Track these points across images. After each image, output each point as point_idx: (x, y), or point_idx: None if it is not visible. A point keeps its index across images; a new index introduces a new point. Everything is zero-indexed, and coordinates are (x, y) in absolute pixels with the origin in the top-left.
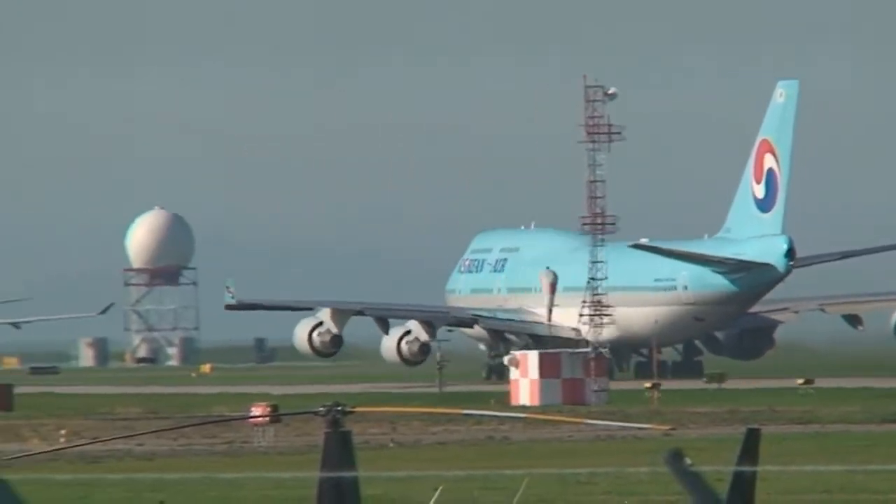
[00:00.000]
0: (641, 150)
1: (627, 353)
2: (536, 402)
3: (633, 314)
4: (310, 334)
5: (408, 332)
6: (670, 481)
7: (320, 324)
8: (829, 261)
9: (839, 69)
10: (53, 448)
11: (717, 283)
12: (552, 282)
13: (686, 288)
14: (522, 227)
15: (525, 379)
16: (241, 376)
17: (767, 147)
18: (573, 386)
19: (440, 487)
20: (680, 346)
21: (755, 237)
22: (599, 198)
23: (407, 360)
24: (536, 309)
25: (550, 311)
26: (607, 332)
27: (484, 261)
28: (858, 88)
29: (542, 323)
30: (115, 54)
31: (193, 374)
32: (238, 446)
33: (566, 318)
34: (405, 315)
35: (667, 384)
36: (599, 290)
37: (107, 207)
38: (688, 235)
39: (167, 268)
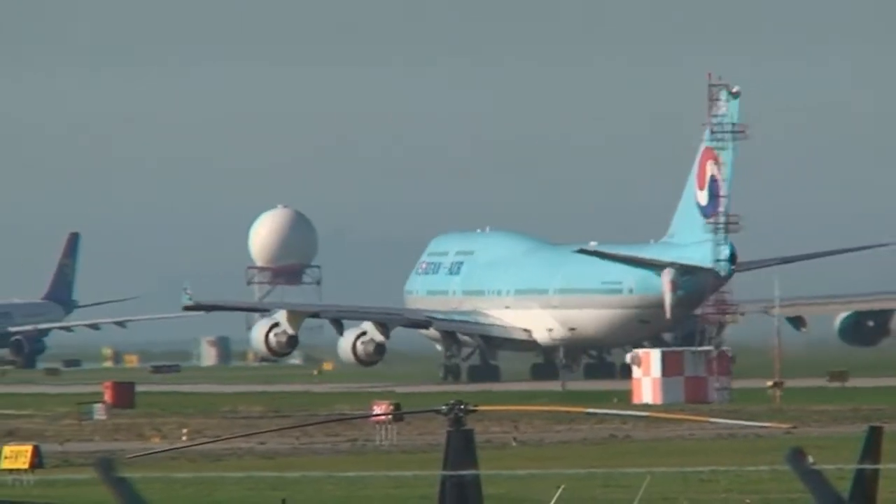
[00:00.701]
0: (767, 148)
1: (577, 354)
2: (659, 401)
3: (582, 316)
4: (266, 335)
5: (363, 333)
6: (792, 479)
7: (276, 325)
8: (771, 265)
9: (783, 78)
10: (175, 446)
11: (662, 286)
12: (673, 279)
13: (632, 291)
14: (478, 231)
15: (647, 377)
16: (364, 374)
17: (710, 155)
18: (695, 384)
19: (562, 486)
20: (629, 348)
21: (698, 242)
22: (723, 197)
23: (362, 361)
24: (490, 310)
25: (672, 310)
26: (556, 334)
27: (440, 263)
28: (801, 98)
29: (494, 325)
30: (241, 49)
31: (315, 373)
32: (360, 444)
33: (517, 319)
34: (359, 317)
35: (788, 382)
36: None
37: (231, 205)
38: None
39: (290, 266)
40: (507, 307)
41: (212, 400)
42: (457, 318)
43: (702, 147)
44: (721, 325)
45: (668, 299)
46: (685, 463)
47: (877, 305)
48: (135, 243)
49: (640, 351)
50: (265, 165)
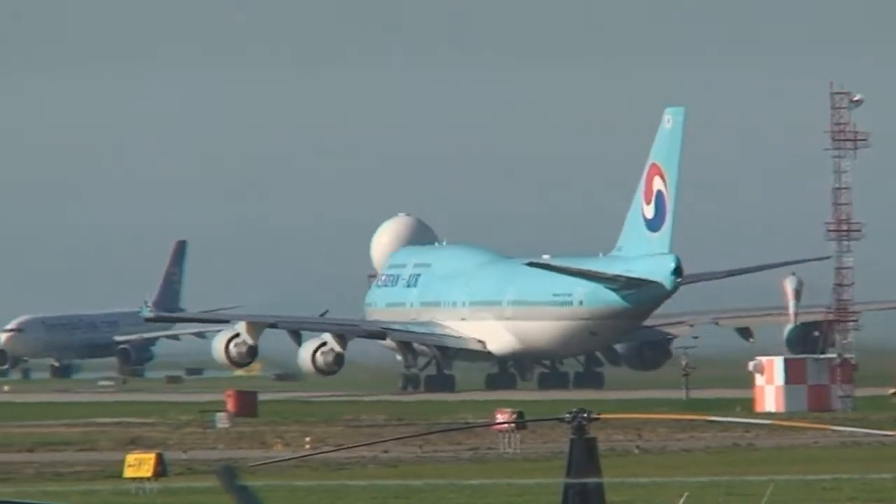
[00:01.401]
0: (889, 157)
1: (530, 364)
2: (782, 409)
3: (533, 327)
4: (226, 345)
5: (323, 344)
6: None
7: (237, 335)
8: (716, 278)
9: (725, 94)
10: (298, 455)
11: (610, 298)
12: (796, 288)
13: (581, 303)
14: (436, 244)
15: (771, 385)
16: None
17: (656, 170)
18: (818, 392)
19: (685, 494)
20: (582, 358)
21: (645, 255)
22: (844, 205)
23: (321, 370)
24: (446, 322)
25: (796, 316)
26: (508, 345)
27: (399, 276)
28: (744, 113)
29: (449, 335)
30: (360, 55)
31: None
32: (483, 453)
33: (472, 329)
34: (317, 328)
35: None
36: (844, 297)
37: (354, 212)
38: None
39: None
40: (462, 319)
41: (335, 408)
42: (414, 329)
43: (649, 162)
44: (833, 333)
45: (791, 307)
46: (808, 471)
47: None
48: (245, 251)
49: (763, 359)
50: (387, 174)
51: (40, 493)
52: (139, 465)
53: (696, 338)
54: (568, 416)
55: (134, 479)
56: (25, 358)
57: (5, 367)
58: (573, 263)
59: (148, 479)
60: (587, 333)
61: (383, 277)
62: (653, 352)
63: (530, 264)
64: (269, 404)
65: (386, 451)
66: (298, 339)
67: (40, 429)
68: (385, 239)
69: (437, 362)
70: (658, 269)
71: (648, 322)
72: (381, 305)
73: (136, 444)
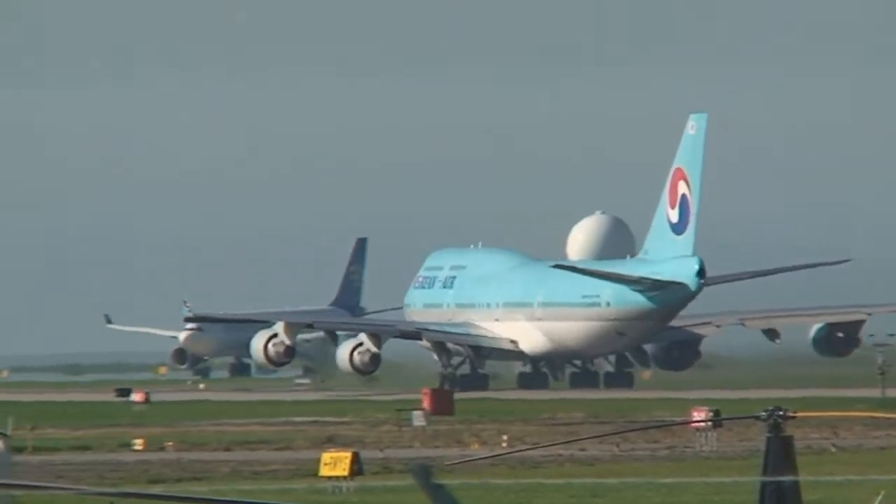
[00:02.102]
0: None
1: (561, 364)
2: None
3: (563, 328)
4: (265, 345)
5: (360, 344)
6: None
7: (275, 335)
8: (739, 279)
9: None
10: (495, 453)
11: (637, 300)
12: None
13: (609, 304)
14: (471, 247)
15: None
16: (682, 381)
17: (681, 175)
18: None
19: (882, 493)
20: (612, 358)
21: (670, 258)
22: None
23: (359, 370)
24: (480, 322)
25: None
26: (540, 344)
27: (435, 278)
28: (766, 118)
29: (483, 336)
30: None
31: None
32: (680, 451)
33: (504, 330)
34: (353, 328)
35: None
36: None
37: (549, 210)
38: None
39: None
40: (496, 319)
41: (532, 406)
42: (449, 329)
43: (673, 167)
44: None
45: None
46: None
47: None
48: (425, 248)
49: None
50: (584, 171)
51: (235, 491)
52: (335, 463)
53: (892, 335)
54: (764, 414)
55: (330, 477)
56: (205, 357)
57: (184, 366)
58: (602, 266)
59: (344, 477)
60: (615, 334)
61: (420, 279)
62: (681, 352)
63: (556, 266)
64: (466, 402)
65: (583, 450)
66: (335, 339)
67: (236, 427)
68: (581, 236)
69: (471, 361)
70: (682, 270)
71: (677, 323)
72: (418, 306)
73: (332, 442)
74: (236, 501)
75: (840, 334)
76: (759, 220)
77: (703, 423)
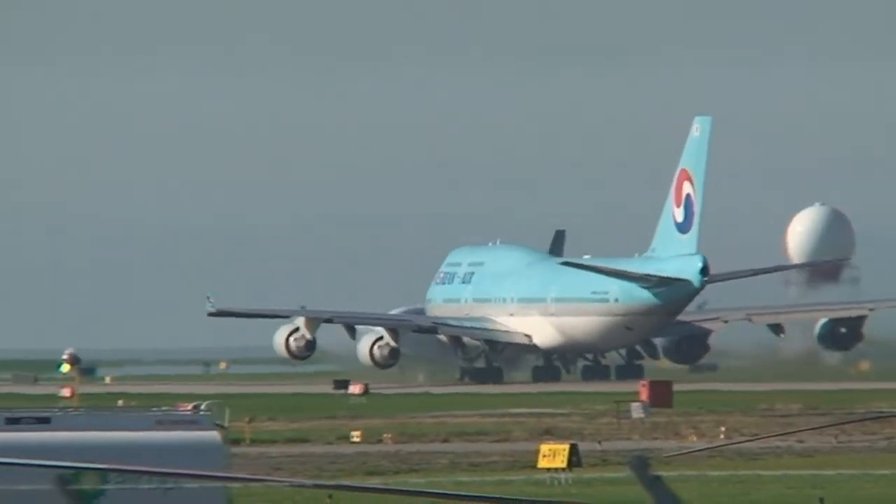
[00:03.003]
0: None
1: (573, 357)
2: None
3: (574, 322)
4: (287, 339)
5: (380, 338)
6: None
7: (296, 330)
8: (741, 277)
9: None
10: (712, 445)
11: (643, 296)
12: None
13: (617, 300)
14: (489, 244)
15: None
16: None
17: (686, 175)
18: None
19: None
20: (623, 352)
21: (675, 256)
22: None
23: (378, 363)
24: (496, 317)
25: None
26: (552, 339)
27: (455, 274)
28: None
29: (497, 330)
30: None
31: (852, 371)
32: None
33: (519, 324)
34: (370, 322)
35: None
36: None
37: (767, 203)
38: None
39: (826, 265)
40: (511, 314)
41: (750, 398)
42: (467, 324)
43: (678, 168)
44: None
45: None
46: None
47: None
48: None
49: None
50: (805, 164)
51: (452, 483)
52: (553, 455)
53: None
54: None
55: (548, 469)
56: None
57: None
58: (611, 264)
59: (562, 469)
60: (623, 328)
61: (441, 275)
62: (690, 345)
63: (564, 263)
64: (685, 395)
65: (801, 441)
66: (353, 333)
67: (455, 419)
68: (800, 228)
69: (486, 355)
70: (686, 268)
71: (686, 318)
72: (438, 301)
73: (550, 434)
74: (453, 493)
75: (843, 329)
76: (761, 219)
77: None
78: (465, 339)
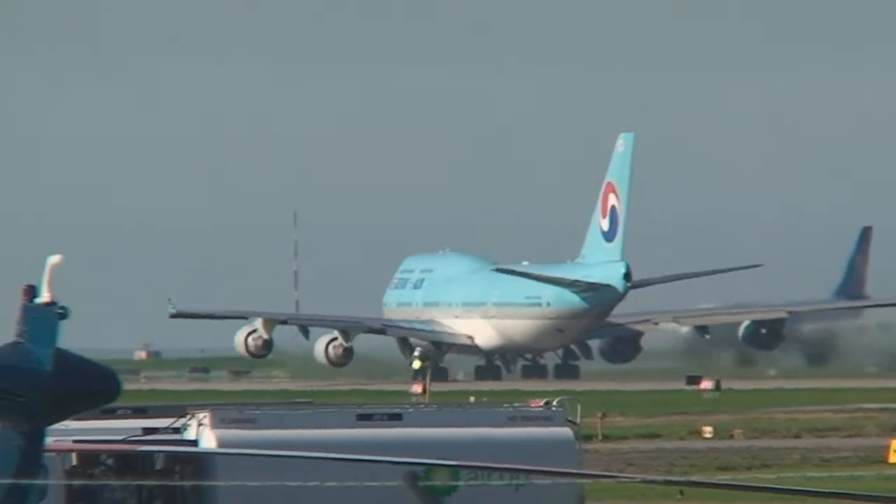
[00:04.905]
0: None
1: (513, 357)
2: None
3: (511, 325)
4: (245, 339)
5: (335, 339)
6: None
7: (254, 330)
8: (662, 282)
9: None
10: None
11: (573, 300)
12: None
13: (549, 304)
14: (440, 252)
15: None
16: None
17: (611, 188)
18: None
19: None
20: (560, 352)
21: (601, 262)
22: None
23: (332, 362)
24: (443, 320)
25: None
26: (493, 340)
27: (408, 279)
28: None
29: (443, 332)
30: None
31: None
32: None
33: (463, 326)
34: (323, 324)
35: None
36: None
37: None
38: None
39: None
40: (456, 317)
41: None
42: (416, 326)
43: (605, 181)
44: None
45: None
46: None
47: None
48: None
49: None
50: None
51: (802, 478)
52: None
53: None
54: None
55: None
56: None
57: None
58: (546, 270)
59: None
60: (555, 330)
61: (395, 280)
62: (624, 346)
63: (498, 270)
64: None
65: None
66: (307, 334)
67: (807, 415)
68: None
69: (432, 356)
70: (611, 274)
71: (620, 320)
72: (393, 305)
73: None
74: (799, 490)
75: (763, 330)
76: (684, 227)
77: None
78: (412, 340)
